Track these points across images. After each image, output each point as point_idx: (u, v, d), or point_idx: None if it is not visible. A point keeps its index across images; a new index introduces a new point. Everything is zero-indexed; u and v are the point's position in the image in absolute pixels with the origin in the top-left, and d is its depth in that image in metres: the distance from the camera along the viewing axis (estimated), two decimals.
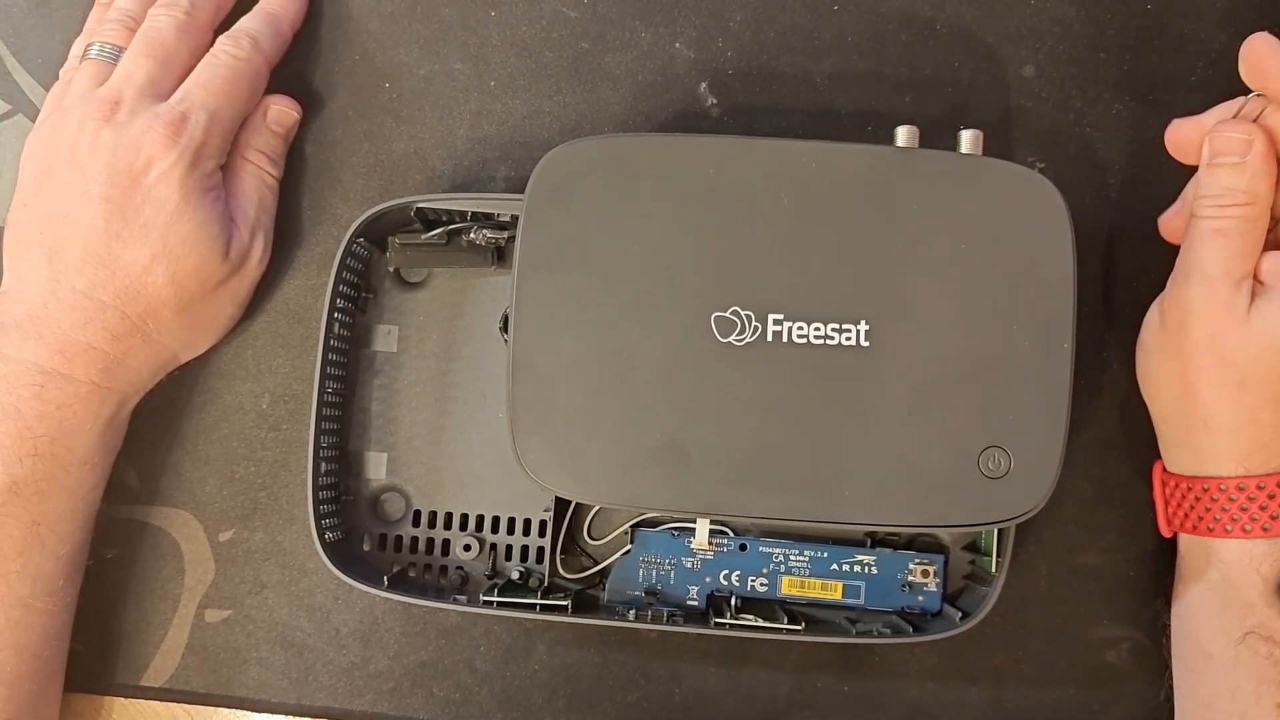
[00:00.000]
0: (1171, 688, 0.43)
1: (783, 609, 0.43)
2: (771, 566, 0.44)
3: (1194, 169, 0.40)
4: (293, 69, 0.48)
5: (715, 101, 0.47)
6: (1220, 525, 0.39)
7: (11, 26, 0.49)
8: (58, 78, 0.46)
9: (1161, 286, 0.41)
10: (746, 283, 0.38)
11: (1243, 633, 0.39)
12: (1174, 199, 0.43)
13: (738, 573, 0.44)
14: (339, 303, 0.44)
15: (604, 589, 0.44)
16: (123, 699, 0.47)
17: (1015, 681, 0.45)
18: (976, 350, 0.38)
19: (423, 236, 0.44)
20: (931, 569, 0.44)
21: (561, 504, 0.44)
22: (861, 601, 0.44)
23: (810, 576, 0.44)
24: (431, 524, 0.45)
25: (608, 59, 0.48)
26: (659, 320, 0.38)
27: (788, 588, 0.44)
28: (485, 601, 0.42)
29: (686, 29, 0.48)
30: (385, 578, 0.43)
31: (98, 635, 0.46)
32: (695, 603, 0.44)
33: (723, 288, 0.38)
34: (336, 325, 0.44)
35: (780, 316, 0.38)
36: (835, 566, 0.44)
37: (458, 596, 0.43)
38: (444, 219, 0.44)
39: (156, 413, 0.46)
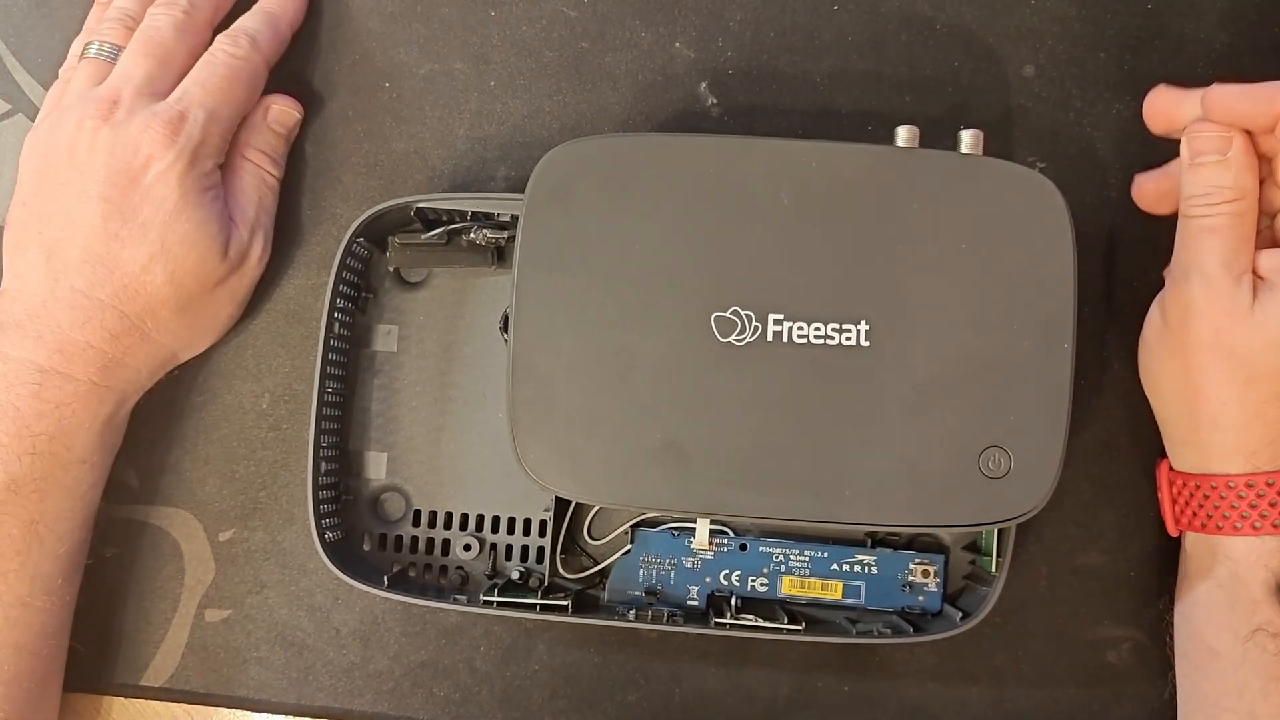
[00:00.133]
0: (1175, 687, 0.43)
1: (783, 609, 0.43)
2: (772, 566, 0.44)
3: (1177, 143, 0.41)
4: (292, 69, 0.48)
5: (715, 101, 0.47)
6: (1229, 523, 0.39)
7: (11, 26, 0.49)
8: (57, 77, 0.46)
9: (1162, 285, 0.41)
10: (746, 282, 0.38)
11: (1250, 629, 0.39)
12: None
13: (738, 573, 0.44)
14: (339, 302, 0.44)
15: (604, 589, 0.44)
16: (122, 699, 0.47)
17: (1016, 682, 0.45)
18: (977, 350, 0.38)
19: (423, 236, 0.44)
20: (932, 569, 0.44)
21: (561, 504, 0.44)
22: (862, 601, 0.44)
23: (810, 576, 0.44)
24: (431, 524, 0.45)
25: (608, 59, 0.48)
26: (659, 320, 0.38)
27: (788, 588, 0.44)
28: (485, 601, 0.42)
29: (686, 29, 0.48)
30: (385, 578, 0.43)
31: (97, 635, 0.46)
32: (695, 603, 0.44)
33: (723, 287, 0.38)
34: (336, 325, 0.44)
35: (780, 316, 0.38)
36: (835, 566, 0.44)
37: (458, 596, 0.43)
38: (444, 219, 0.44)
39: (156, 412, 0.46)
